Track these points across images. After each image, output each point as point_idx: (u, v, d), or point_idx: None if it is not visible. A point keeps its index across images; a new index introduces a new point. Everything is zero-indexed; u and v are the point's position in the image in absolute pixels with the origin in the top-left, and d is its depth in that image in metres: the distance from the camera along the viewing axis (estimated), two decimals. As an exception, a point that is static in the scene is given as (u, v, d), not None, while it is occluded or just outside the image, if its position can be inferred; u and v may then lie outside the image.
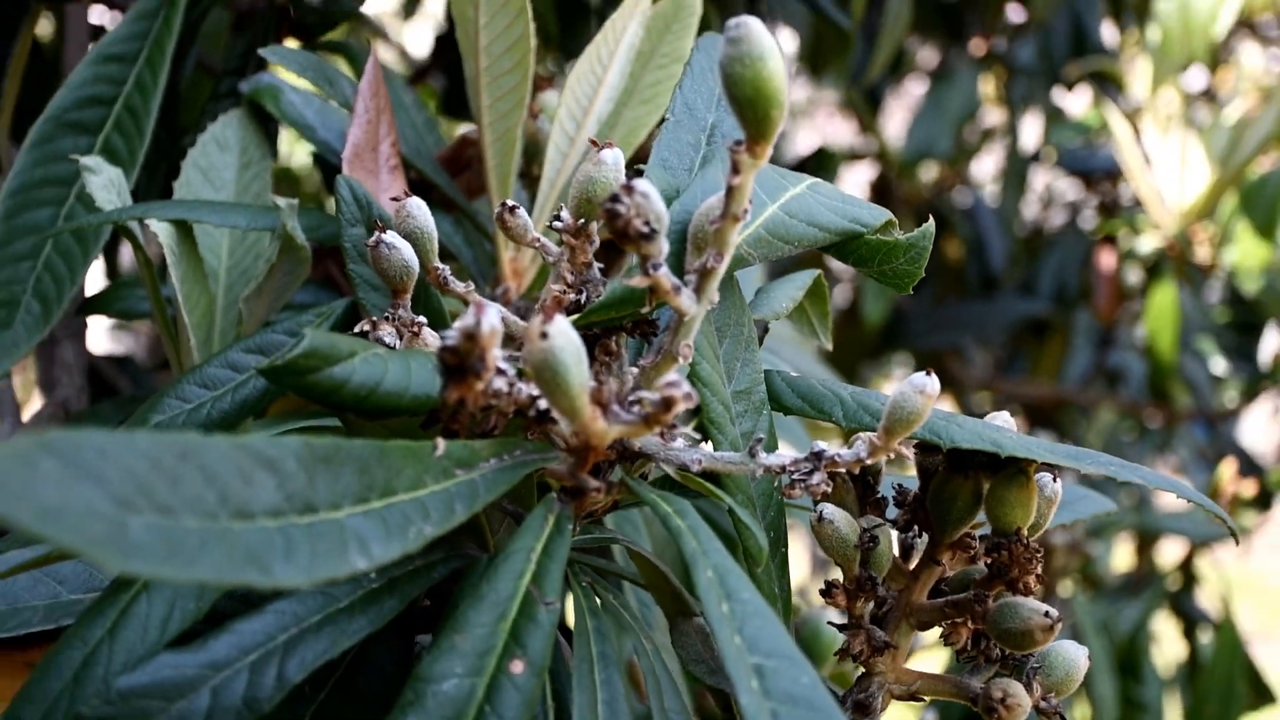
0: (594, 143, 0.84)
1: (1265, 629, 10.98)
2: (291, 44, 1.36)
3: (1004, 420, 0.89)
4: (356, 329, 0.85)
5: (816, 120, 5.10)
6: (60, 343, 1.23)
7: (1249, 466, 2.77)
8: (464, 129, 2.04)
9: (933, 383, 0.75)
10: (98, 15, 1.64)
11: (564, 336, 0.65)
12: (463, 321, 0.65)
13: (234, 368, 0.95)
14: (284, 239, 1.01)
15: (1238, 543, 0.90)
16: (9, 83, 1.36)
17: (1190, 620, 2.88)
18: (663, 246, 0.72)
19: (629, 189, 0.72)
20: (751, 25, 0.70)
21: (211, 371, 0.95)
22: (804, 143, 4.50)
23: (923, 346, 2.83)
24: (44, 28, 1.88)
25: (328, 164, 1.09)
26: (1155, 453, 3.27)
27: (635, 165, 1.04)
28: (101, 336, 3.71)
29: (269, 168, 1.13)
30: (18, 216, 1.06)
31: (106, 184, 0.99)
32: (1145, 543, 2.79)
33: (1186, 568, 2.77)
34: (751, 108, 0.70)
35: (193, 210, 1.00)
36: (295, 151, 3.26)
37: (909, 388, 0.75)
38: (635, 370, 0.79)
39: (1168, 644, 3.18)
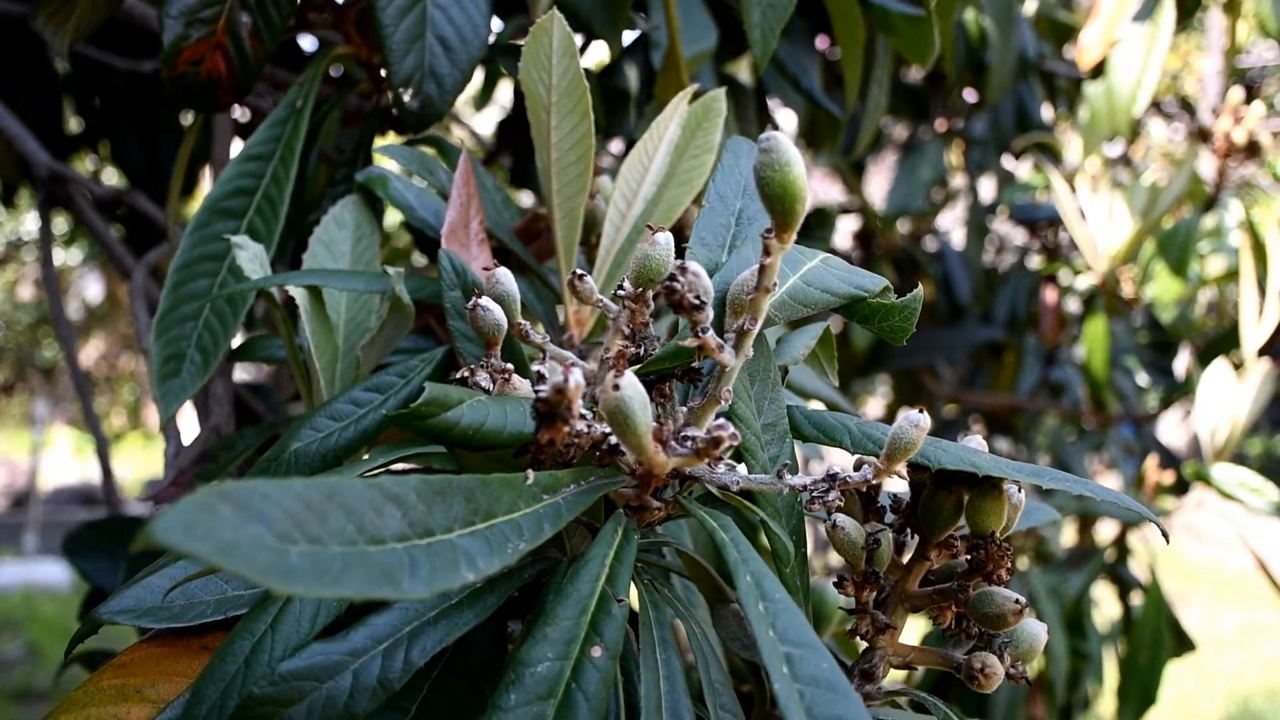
0: (650, 227, 0.85)
1: (1181, 593, 10.98)
2: (393, 139, 1.38)
3: (978, 443, 0.90)
4: (456, 375, 0.86)
5: (811, 181, 5.12)
6: (213, 380, 1.24)
7: (1168, 460, 2.76)
8: (530, 198, 2.06)
9: (924, 419, 0.76)
10: (239, 111, 1.67)
11: (633, 388, 0.67)
12: (554, 379, 0.66)
13: (356, 403, 0.97)
14: (392, 299, 1.02)
15: (1165, 536, 0.90)
16: (175, 179, 1.38)
17: (1124, 585, 2.88)
18: (709, 314, 0.74)
19: (683, 269, 0.73)
20: (779, 139, 0.71)
21: (338, 406, 0.96)
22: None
23: (902, 366, 2.83)
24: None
25: (424, 236, 1.10)
26: (1092, 449, 3.27)
27: (679, 240, 1.05)
28: (238, 368, 3.71)
29: (378, 240, 1.15)
30: (183, 286, 1.08)
31: (252, 258, 1.01)
32: (1086, 524, 2.79)
33: (1120, 543, 2.76)
34: (780, 203, 0.71)
35: (321, 277, 1.02)
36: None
37: (906, 423, 0.76)
38: (685, 410, 0.80)
39: (1106, 606, 3.18)
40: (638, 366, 0.81)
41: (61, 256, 8.57)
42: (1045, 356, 2.92)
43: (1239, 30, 2.42)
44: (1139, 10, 2.35)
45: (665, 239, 0.82)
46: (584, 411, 0.71)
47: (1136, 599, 2.91)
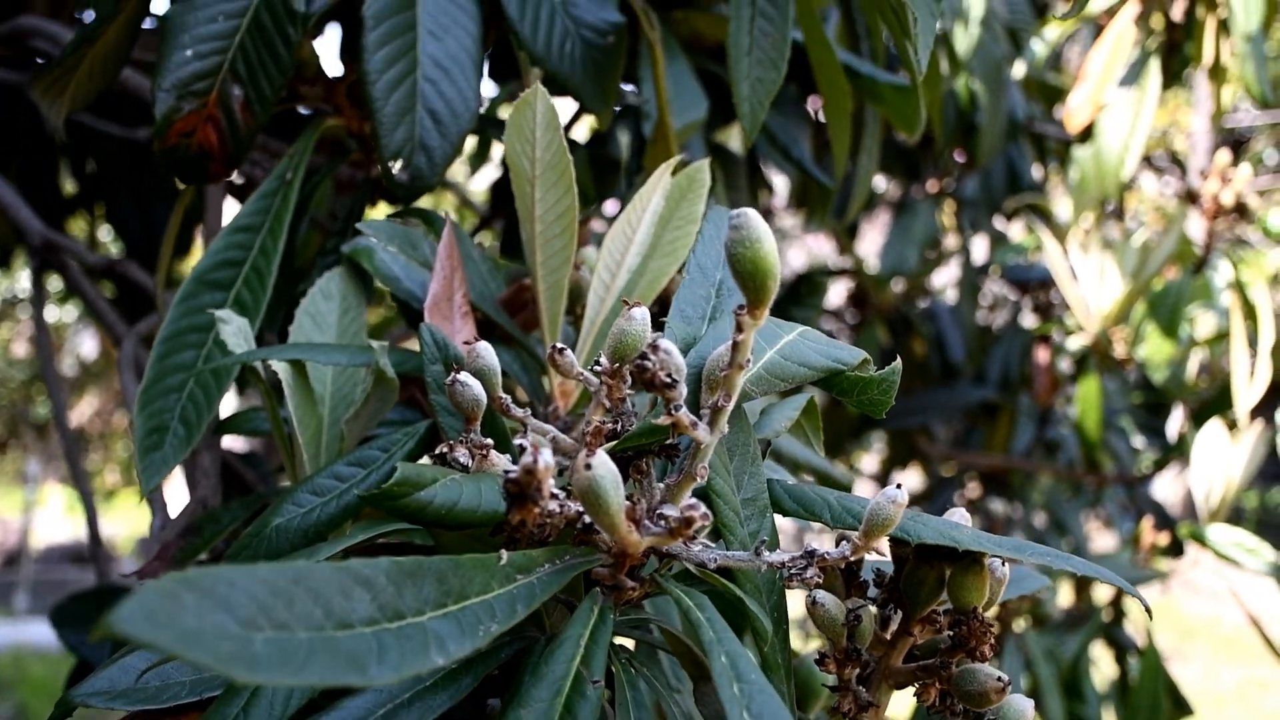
0: (625, 302, 0.85)
1: (1179, 649, 10.96)
2: (384, 208, 1.38)
3: (960, 516, 0.89)
4: (437, 450, 0.86)
5: (805, 241, 5.13)
6: (199, 452, 1.24)
7: (1162, 520, 2.75)
8: (517, 268, 2.06)
9: (901, 494, 0.76)
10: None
11: (604, 467, 0.67)
12: (524, 459, 0.66)
13: (338, 478, 0.96)
14: (377, 373, 1.03)
15: (1148, 611, 0.90)
16: (165, 247, 1.39)
17: (1121, 647, 2.86)
18: (682, 391, 0.74)
19: (655, 347, 0.73)
20: (750, 215, 0.71)
21: (320, 481, 0.96)
22: (796, 259, 4.51)
23: (896, 426, 2.83)
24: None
25: (410, 308, 1.10)
26: (1089, 508, 3.26)
27: (661, 309, 1.06)
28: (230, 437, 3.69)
29: (364, 312, 1.15)
30: (168, 358, 1.08)
31: (236, 331, 1.01)
32: (1082, 585, 2.77)
33: (1116, 604, 2.75)
34: (752, 280, 0.71)
35: (304, 351, 1.01)
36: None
37: (884, 499, 0.76)
38: (662, 486, 0.80)
39: (1103, 667, 3.15)
40: (614, 443, 0.81)
41: (56, 313, 8.59)
42: (1039, 416, 2.92)
43: (1224, 94, 2.44)
44: (1126, 75, 2.37)
45: (641, 314, 0.82)
46: (556, 491, 0.71)
47: (1133, 661, 2.90)
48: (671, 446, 0.82)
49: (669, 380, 0.73)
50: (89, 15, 2.41)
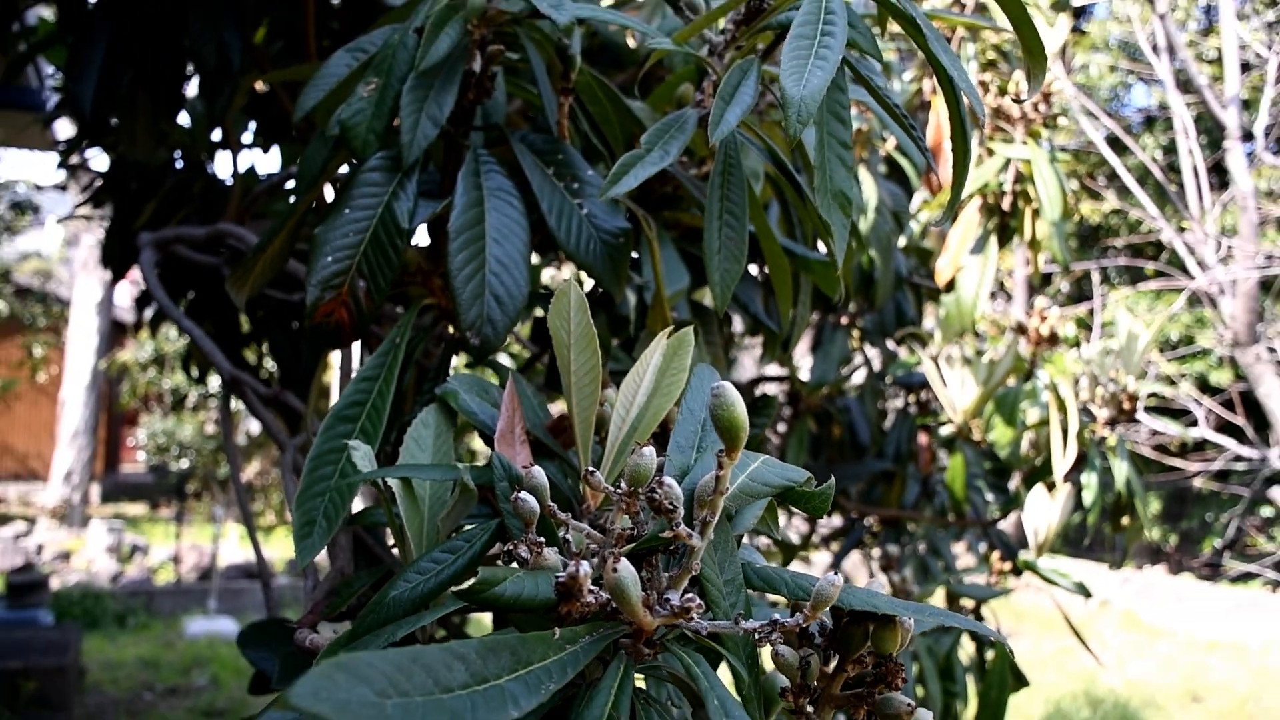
0: (638, 443, 0.83)
1: (1015, 628, 10.93)
2: (462, 358, 1.36)
3: (879, 583, 0.87)
4: (505, 548, 0.84)
5: (755, 351, 5.16)
6: (338, 535, 1.21)
7: (1006, 551, 2.71)
8: (558, 401, 2.05)
9: (839, 579, 0.74)
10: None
11: (626, 571, 0.65)
12: (569, 569, 0.65)
13: (435, 561, 0.93)
14: (461, 485, 1.00)
15: (1004, 644, 0.87)
16: (313, 390, 1.38)
17: (979, 640, 2.79)
18: (681, 512, 0.72)
19: (661, 482, 0.71)
20: (726, 387, 0.70)
21: (423, 564, 0.93)
22: (747, 370, 4.49)
23: (819, 488, 2.80)
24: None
25: (484, 433, 1.08)
26: (955, 538, 3.22)
27: (662, 432, 1.04)
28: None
29: (452, 436, 1.12)
30: (315, 472, 1.06)
31: (363, 456, 0.99)
32: (953, 598, 2.72)
33: (977, 611, 2.69)
34: (728, 433, 0.70)
35: (409, 471, 0.99)
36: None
37: (826, 583, 0.74)
38: (667, 575, 0.77)
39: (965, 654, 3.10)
40: (632, 545, 0.79)
41: (236, 403, 8.60)
42: (922, 480, 2.88)
43: (1039, 258, 2.45)
44: (974, 245, 2.38)
45: (650, 451, 0.80)
46: (592, 587, 0.69)
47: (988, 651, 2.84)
48: (674, 548, 0.80)
49: (671, 507, 0.71)
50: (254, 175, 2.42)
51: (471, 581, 0.70)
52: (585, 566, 0.64)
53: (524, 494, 0.83)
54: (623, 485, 0.81)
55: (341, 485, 1.05)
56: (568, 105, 1.31)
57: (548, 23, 1.23)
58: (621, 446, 1.06)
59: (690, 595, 0.66)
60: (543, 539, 0.84)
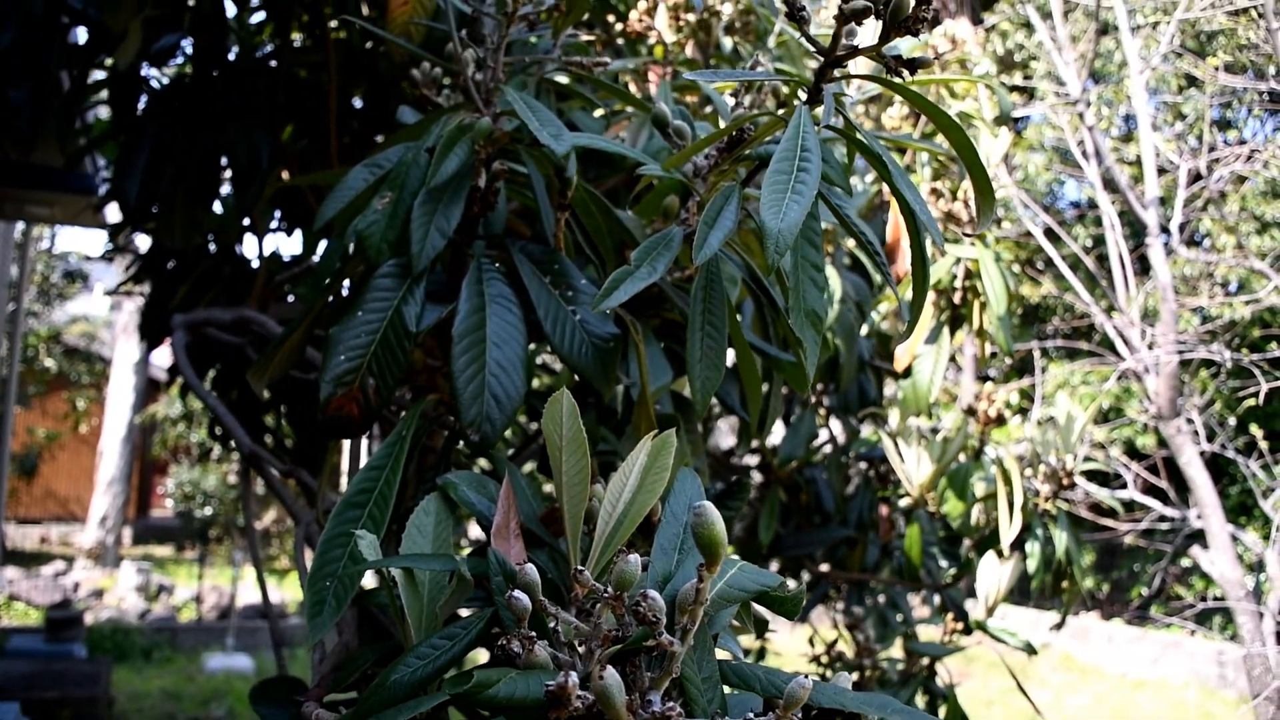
0: (623, 549, 0.80)
1: (965, 671, 10.80)
2: (463, 451, 1.33)
3: (844, 680, 0.83)
4: (498, 644, 0.80)
5: (732, 420, 5.09)
6: (345, 613, 1.16)
7: (959, 613, 2.65)
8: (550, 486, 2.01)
9: (808, 683, 0.70)
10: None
11: (612, 679, 0.62)
12: (559, 679, 0.61)
13: (434, 647, 0.89)
14: (459, 575, 0.97)
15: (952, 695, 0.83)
16: (324, 472, 1.34)
17: (933, 695, 2.72)
18: (664, 620, 0.68)
19: (645, 595, 0.68)
20: (707, 506, 0.67)
21: (422, 649, 0.89)
22: (726, 439, 4.45)
23: (791, 554, 2.74)
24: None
25: (483, 524, 1.04)
26: (913, 594, 3.17)
27: (645, 527, 1.01)
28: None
29: (451, 525, 1.09)
30: (326, 555, 1.02)
31: (369, 545, 0.95)
32: (912, 656, 2.66)
33: (931, 667, 2.63)
34: (708, 548, 0.67)
35: (411, 561, 0.96)
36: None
37: (797, 685, 0.70)
38: (649, 676, 0.74)
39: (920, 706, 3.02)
40: (617, 646, 0.75)
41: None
42: (882, 546, 2.84)
43: (986, 347, 2.44)
44: (929, 336, 2.38)
45: (634, 558, 0.77)
46: (580, 693, 0.65)
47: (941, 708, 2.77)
48: (657, 651, 0.76)
49: (655, 619, 0.67)
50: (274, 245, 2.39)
51: (468, 685, 0.66)
52: (574, 677, 0.61)
53: (517, 592, 0.80)
54: (609, 590, 0.77)
55: (350, 570, 1.01)
56: (564, 219, 1.30)
57: (548, 146, 1.22)
58: (609, 540, 1.02)
59: (671, 704, 0.62)
60: (534, 633, 0.81)
